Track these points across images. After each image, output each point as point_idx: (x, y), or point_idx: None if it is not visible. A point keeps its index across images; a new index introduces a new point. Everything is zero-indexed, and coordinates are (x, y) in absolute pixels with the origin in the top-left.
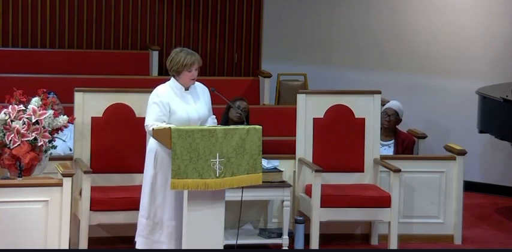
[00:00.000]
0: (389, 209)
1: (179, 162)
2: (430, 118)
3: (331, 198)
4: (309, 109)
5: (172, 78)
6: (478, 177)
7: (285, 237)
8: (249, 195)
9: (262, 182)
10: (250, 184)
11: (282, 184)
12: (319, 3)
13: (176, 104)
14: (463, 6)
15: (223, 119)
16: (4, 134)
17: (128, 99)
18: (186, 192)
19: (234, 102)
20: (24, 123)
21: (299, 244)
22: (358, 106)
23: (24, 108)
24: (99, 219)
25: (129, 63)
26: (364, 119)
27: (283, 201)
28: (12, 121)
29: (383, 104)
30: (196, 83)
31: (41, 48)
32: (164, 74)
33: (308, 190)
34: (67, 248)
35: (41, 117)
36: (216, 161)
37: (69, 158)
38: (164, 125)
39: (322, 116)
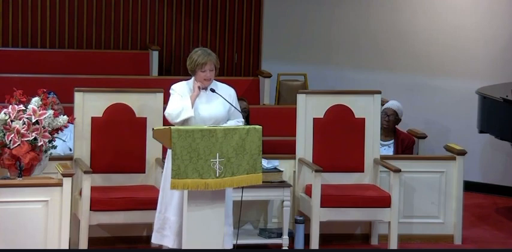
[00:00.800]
0: (389, 209)
1: (179, 162)
2: (430, 118)
3: (331, 198)
4: (309, 109)
5: (192, 77)
6: (478, 177)
7: (285, 237)
8: (249, 195)
9: (262, 182)
10: (250, 184)
11: (282, 184)
12: (319, 3)
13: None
14: (463, 6)
15: None
16: (4, 134)
17: (128, 99)
18: (186, 192)
19: None
20: (24, 123)
21: (299, 244)
22: (358, 106)
23: (24, 108)
24: (99, 219)
25: (129, 63)
26: (364, 119)
27: (283, 201)
28: (12, 121)
29: (382, 104)
30: (221, 84)
31: (41, 48)
32: (164, 74)
33: (308, 190)
34: (67, 248)
35: (41, 117)
36: (216, 161)
37: (69, 158)
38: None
39: (322, 116)
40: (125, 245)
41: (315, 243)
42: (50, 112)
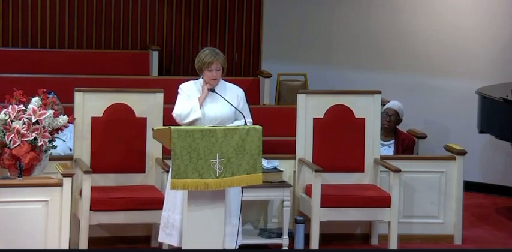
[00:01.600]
0: (389, 209)
1: (179, 162)
2: (430, 118)
3: (331, 198)
4: (309, 109)
5: (201, 78)
6: (478, 177)
7: (285, 237)
8: (249, 195)
9: (262, 182)
10: (250, 184)
11: (282, 184)
12: (319, 3)
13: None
14: (463, 6)
15: None
16: (4, 134)
17: (128, 99)
18: (186, 192)
19: None
20: (24, 123)
21: (299, 244)
22: (358, 106)
23: (24, 108)
24: (99, 219)
25: (129, 63)
26: (364, 119)
27: (283, 201)
28: (12, 121)
29: (383, 104)
30: (229, 84)
31: (41, 48)
32: (164, 74)
33: (308, 190)
34: (67, 248)
35: (41, 117)
36: (216, 161)
37: (69, 158)
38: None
39: (322, 116)
40: (125, 245)
41: (315, 243)
42: (50, 112)
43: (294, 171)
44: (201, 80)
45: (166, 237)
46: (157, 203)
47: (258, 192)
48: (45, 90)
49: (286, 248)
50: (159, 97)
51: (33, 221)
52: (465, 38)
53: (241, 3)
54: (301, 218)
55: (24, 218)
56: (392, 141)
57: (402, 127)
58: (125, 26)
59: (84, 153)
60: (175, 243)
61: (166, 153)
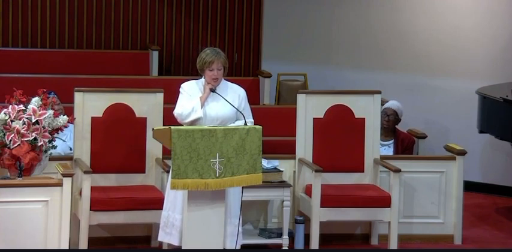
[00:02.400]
0: (389, 209)
1: (179, 162)
2: (430, 118)
3: (331, 198)
4: (309, 109)
5: (202, 77)
6: (478, 177)
7: (285, 237)
8: (249, 195)
9: (262, 182)
10: (250, 184)
11: (282, 184)
12: (319, 3)
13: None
14: (463, 6)
15: None
16: (4, 134)
17: (128, 99)
18: (186, 192)
19: None
20: (24, 123)
21: (299, 244)
22: (358, 106)
23: (24, 108)
24: (99, 219)
25: (129, 63)
26: (364, 119)
27: (283, 201)
28: (12, 121)
29: (382, 104)
30: (231, 84)
31: (41, 48)
32: (164, 74)
33: (308, 190)
34: (67, 248)
35: (41, 117)
36: (216, 161)
37: (69, 158)
38: (189, 110)
39: (322, 116)
40: (125, 245)
41: (315, 243)
42: (50, 112)
43: (294, 171)
44: (202, 79)
45: (166, 236)
46: (157, 203)
47: (258, 192)
48: (45, 90)
49: (286, 248)
50: (159, 97)
51: (33, 221)
52: (465, 38)
53: (241, 3)
54: (301, 218)
55: (24, 218)
56: (392, 141)
57: (402, 127)
58: (125, 26)
59: (84, 153)
60: (175, 243)
61: (167, 153)
